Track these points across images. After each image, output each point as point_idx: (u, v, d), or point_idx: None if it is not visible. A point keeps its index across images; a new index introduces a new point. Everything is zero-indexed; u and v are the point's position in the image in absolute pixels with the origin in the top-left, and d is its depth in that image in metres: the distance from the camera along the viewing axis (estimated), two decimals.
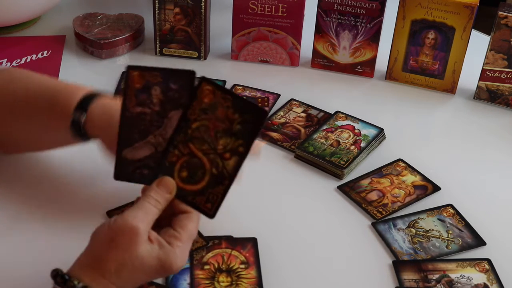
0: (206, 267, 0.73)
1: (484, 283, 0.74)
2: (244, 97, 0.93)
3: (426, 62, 1.07)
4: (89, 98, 0.75)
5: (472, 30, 1.02)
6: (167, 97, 0.67)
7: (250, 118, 0.64)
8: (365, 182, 0.88)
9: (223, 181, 0.65)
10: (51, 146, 0.83)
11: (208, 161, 0.65)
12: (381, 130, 0.96)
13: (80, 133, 0.75)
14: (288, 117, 0.99)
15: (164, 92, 0.67)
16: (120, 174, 0.69)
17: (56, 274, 0.61)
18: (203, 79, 0.66)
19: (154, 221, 0.65)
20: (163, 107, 0.67)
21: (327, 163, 0.89)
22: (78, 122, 0.74)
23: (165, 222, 0.67)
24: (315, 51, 1.11)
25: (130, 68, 0.68)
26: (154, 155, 0.68)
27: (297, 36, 1.09)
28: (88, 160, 0.89)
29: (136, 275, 0.62)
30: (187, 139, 0.66)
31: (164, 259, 0.63)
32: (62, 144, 0.80)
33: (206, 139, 0.66)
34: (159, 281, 0.70)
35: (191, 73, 0.67)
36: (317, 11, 1.07)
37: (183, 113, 0.66)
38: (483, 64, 1.03)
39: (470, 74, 1.08)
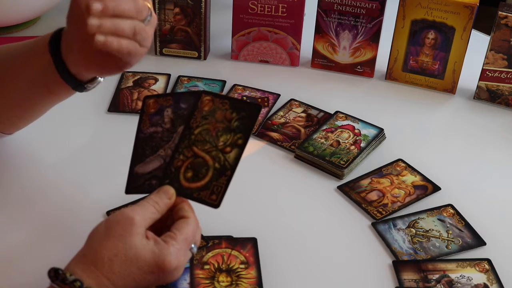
0: (206, 267, 0.73)
1: (484, 283, 0.74)
2: (244, 98, 0.98)
3: (426, 62, 1.07)
4: None
5: (472, 30, 1.02)
6: (177, 115, 0.72)
7: (246, 114, 0.69)
8: (365, 182, 0.88)
9: (226, 172, 0.67)
10: (34, 91, 0.78)
11: (210, 158, 0.68)
12: (381, 130, 0.96)
13: (58, 52, 0.73)
14: (288, 117, 0.99)
15: (175, 112, 0.72)
16: (131, 188, 0.72)
17: (51, 270, 0.61)
18: (203, 92, 0.71)
19: (152, 221, 0.66)
20: (173, 124, 0.72)
21: (327, 163, 0.89)
22: (57, 35, 0.73)
23: (166, 232, 0.67)
24: (315, 51, 1.11)
25: (146, 98, 0.74)
26: (162, 166, 0.70)
27: (297, 36, 1.09)
28: (88, 160, 0.89)
29: (129, 268, 0.62)
30: (191, 143, 0.70)
31: (158, 253, 0.63)
32: (42, 82, 0.76)
33: (208, 140, 0.69)
34: None
35: (200, 92, 0.71)
36: (317, 11, 1.07)
37: (186, 124, 0.70)
38: (483, 64, 1.03)
39: (470, 74, 1.08)
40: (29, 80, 0.77)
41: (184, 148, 0.70)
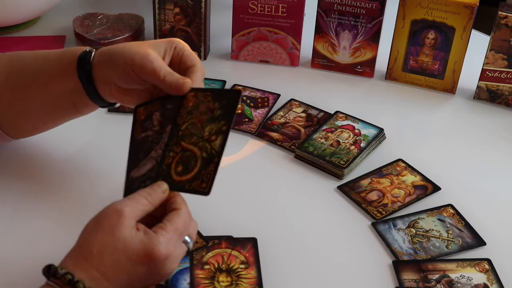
0: (206, 267, 0.73)
1: (484, 283, 0.74)
2: (244, 98, 1.00)
3: (426, 62, 1.07)
4: (97, 49, 0.77)
5: (472, 30, 1.02)
6: (164, 116, 0.72)
7: (227, 102, 0.69)
8: (365, 182, 0.88)
9: (213, 159, 0.67)
10: (59, 108, 0.80)
11: (198, 149, 0.69)
12: (381, 130, 0.96)
13: (86, 75, 0.75)
14: (288, 117, 0.99)
15: (162, 114, 0.73)
16: (129, 193, 0.72)
17: (45, 267, 0.61)
18: None
19: (144, 213, 0.65)
20: (161, 125, 0.72)
21: (327, 163, 0.89)
22: (86, 57, 0.75)
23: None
24: (315, 51, 1.11)
25: (137, 106, 0.75)
26: (155, 166, 0.71)
27: (297, 36, 1.10)
28: (88, 160, 0.89)
29: (119, 260, 0.62)
30: (179, 139, 0.70)
31: (147, 242, 0.63)
32: (69, 101, 0.78)
33: (194, 133, 0.69)
34: None
35: (182, 96, 0.72)
36: (317, 11, 1.07)
37: (173, 122, 0.71)
38: (483, 64, 1.04)
39: (470, 74, 1.08)
40: (54, 98, 0.78)
41: (173, 145, 0.70)
